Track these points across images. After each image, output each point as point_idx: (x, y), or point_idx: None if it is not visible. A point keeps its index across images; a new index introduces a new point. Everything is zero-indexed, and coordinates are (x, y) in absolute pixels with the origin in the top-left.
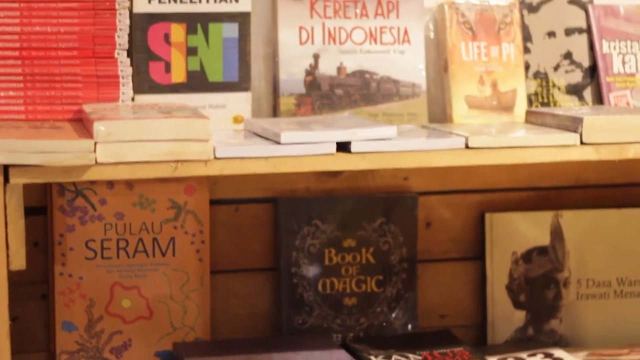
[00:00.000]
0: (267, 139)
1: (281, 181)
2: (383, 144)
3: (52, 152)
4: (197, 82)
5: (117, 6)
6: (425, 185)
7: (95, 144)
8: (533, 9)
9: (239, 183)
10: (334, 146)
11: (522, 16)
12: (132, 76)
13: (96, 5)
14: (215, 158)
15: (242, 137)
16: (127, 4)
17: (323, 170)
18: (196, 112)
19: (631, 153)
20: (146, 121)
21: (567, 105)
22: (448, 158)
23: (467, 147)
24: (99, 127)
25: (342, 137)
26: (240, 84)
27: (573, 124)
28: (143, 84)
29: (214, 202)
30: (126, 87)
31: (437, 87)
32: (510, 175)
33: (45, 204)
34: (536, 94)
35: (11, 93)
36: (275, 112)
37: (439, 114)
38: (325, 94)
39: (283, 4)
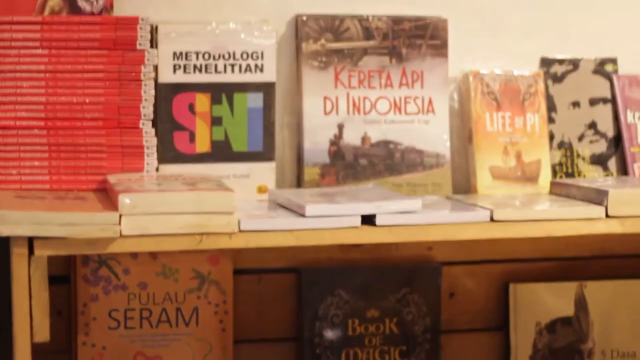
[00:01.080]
0: (291, 210)
1: (304, 251)
2: (408, 217)
3: (76, 224)
4: (221, 152)
5: (142, 77)
6: (449, 255)
7: (120, 216)
8: (557, 79)
9: (262, 252)
10: (359, 219)
11: (546, 86)
12: (157, 146)
13: (122, 76)
14: (240, 231)
15: (267, 208)
16: (153, 74)
17: (348, 243)
18: (221, 184)
19: None
20: (171, 194)
21: (592, 176)
22: (473, 231)
23: (492, 220)
24: (123, 200)
25: (367, 210)
26: (265, 153)
27: (598, 197)
28: (167, 154)
29: (237, 272)
30: (151, 157)
31: (462, 157)
32: (535, 246)
33: (69, 273)
34: (560, 164)
35: (36, 163)
36: (299, 181)
37: (463, 184)
38: (349, 164)
39: (308, 74)
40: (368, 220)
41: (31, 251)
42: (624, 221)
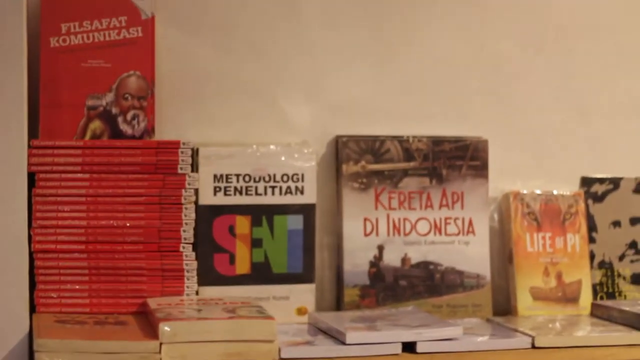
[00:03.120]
0: (331, 336)
1: None
2: (449, 344)
3: (117, 352)
4: (261, 274)
5: (183, 201)
6: None
7: (161, 344)
8: (598, 199)
9: None
10: (400, 347)
11: (587, 206)
12: (197, 268)
13: (162, 199)
14: (281, 359)
15: (306, 332)
16: (193, 198)
17: None
18: (261, 311)
19: None
20: (212, 322)
21: (633, 296)
22: (514, 358)
23: (533, 346)
24: (164, 328)
25: (408, 337)
26: (304, 275)
27: (639, 322)
28: (208, 275)
29: None
30: (191, 281)
31: (502, 277)
32: None
33: None
34: (601, 283)
35: (76, 286)
36: (339, 303)
37: (504, 305)
38: (389, 286)
39: (348, 195)
40: (409, 347)
41: None
42: None
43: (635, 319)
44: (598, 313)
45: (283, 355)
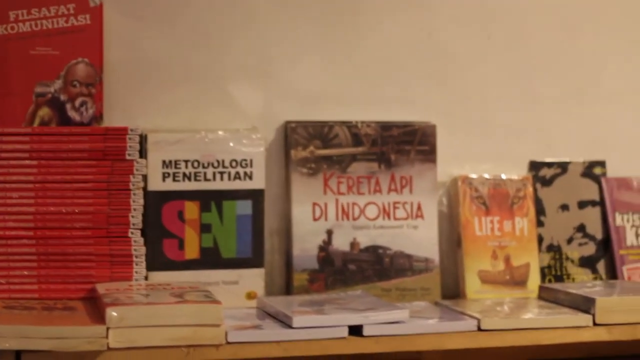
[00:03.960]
0: (279, 320)
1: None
2: (395, 327)
3: (64, 337)
4: (210, 259)
5: (131, 186)
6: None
7: (108, 329)
8: (546, 183)
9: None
10: (346, 330)
11: (535, 190)
12: (146, 253)
13: (111, 186)
14: (228, 342)
15: (255, 317)
16: (142, 184)
17: (335, 354)
18: (209, 295)
19: None
20: (158, 307)
21: (581, 280)
22: (461, 341)
23: (479, 329)
24: (111, 313)
25: (354, 320)
26: (254, 260)
27: (586, 304)
28: (156, 261)
29: None
30: (139, 266)
31: (451, 261)
32: (524, 350)
33: None
34: (549, 267)
35: (25, 272)
36: (288, 287)
37: (453, 288)
38: (338, 270)
39: (297, 180)
40: (356, 330)
41: None
42: (612, 329)
43: (582, 302)
44: (545, 296)
45: (230, 339)
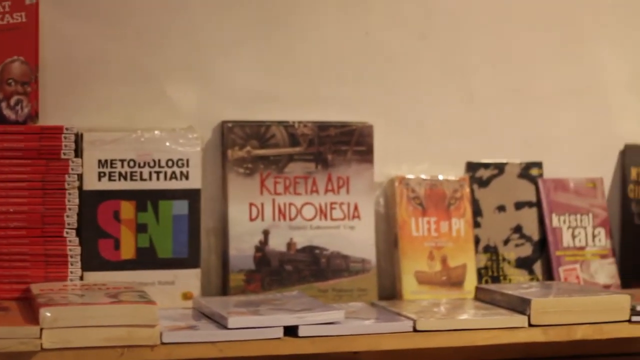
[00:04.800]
0: (214, 321)
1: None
2: (331, 327)
3: None
4: (146, 259)
5: (66, 186)
6: (375, 359)
7: (41, 330)
8: (483, 184)
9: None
10: (282, 331)
11: (472, 191)
12: (82, 253)
13: (46, 185)
14: (162, 343)
15: (191, 317)
16: (77, 183)
17: (271, 354)
18: (144, 295)
19: (579, 334)
20: (93, 307)
21: (517, 281)
22: (396, 341)
23: (415, 330)
24: (44, 314)
25: (290, 321)
26: (190, 260)
27: (521, 305)
28: (92, 261)
29: None
30: (75, 266)
31: (387, 262)
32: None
33: None
34: (486, 267)
35: None
36: (225, 287)
37: (389, 289)
38: (274, 270)
39: (233, 180)
40: (291, 331)
41: None
42: (547, 330)
43: (518, 303)
44: (482, 297)
45: (165, 340)
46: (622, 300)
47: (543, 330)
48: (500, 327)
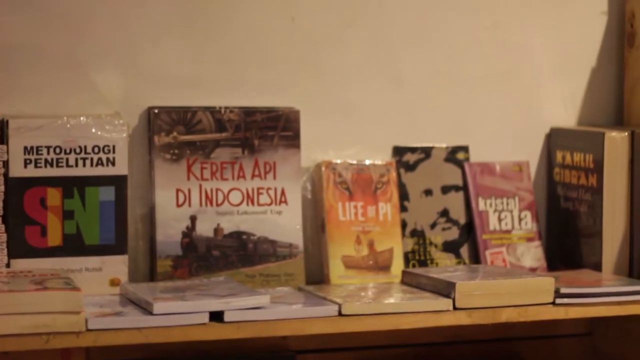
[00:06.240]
0: (140, 307)
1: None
2: (256, 312)
3: None
4: (73, 246)
5: None
6: (304, 344)
7: None
8: (410, 168)
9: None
10: (207, 316)
11: (398, 175)
12: (8, 240)
13: None
14: (88, 330)
15: (118, 303)
16: (2, 170)
17: (196, 340)
18: (69, 282)
19: (504, 317)
20: (18, 294)
21: (444, 264)
22: (322, 326)
23: (340, 314)
24: None
25: (215, 306)
26: (117, 246)
27: (446, 289)
28: (19, 248)
29: None
30: (1, 253)
31: (315, 246)
32: (388, 333)
33: None
34: (413, 251)
35: None
36: (152, 274)
37: (317, 273)
38: (202, 256)
39: (160, 166)
40: (217, 316)
41: None
42: (472, 313)
43: (443, 286)
44: (408, 281)
45: (90, 327)
46: (546, 283)
47: (468, 313)
48: (425, 310)
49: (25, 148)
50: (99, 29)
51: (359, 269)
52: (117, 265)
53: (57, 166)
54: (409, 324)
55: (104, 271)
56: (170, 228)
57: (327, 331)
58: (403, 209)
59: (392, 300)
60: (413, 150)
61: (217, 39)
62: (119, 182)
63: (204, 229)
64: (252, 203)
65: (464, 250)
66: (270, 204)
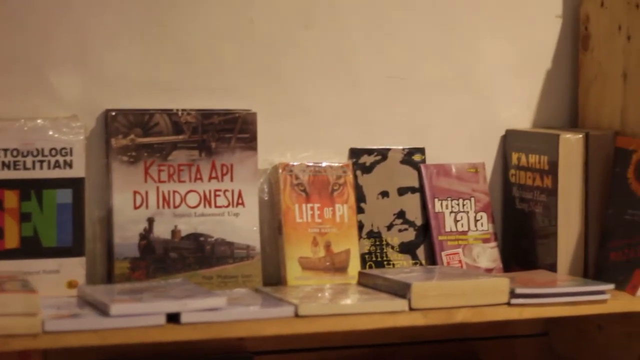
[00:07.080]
0: (97, 309)
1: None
2: (213, 314)
3: None
4: (30, 248)
5: None
6: (261, 345)
7: None
8: (366, 170)
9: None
10: (164, 318)
11: (355, 177)
12: None
13: None
14: (44, 332)
15: (75, 305)
16: None
17: (153, 341)
18: (26, 284)
19: (459, 317)
20: None
21: (400, 266)
22: (278, 327)
23: (296, 315)
24: None
25: (172, 308)
26: (74, 248)
27: (402, 290)
28: None
29: None
30: None
31: (272, 248)
32: (345, 333)
33: None
34: (370, 253)
35: None
36: (110, 276)
37: (275, 275)
38: (159, 258)
39: (118, 169)
40: (174, 317)
41: None
42: (427, 313)
43: (399, 287)
44: (365, 282)
45: (47, 329)
46: (501, 284)
47: (423, 313)
48: (382, 311)
49: None
50: (57, 31)
51: (315, 270)
52: (74, 268)
53: (14, 169)
54: (365, 324)
55: (62, 273)
56: (127, 230)
57: (284, 332)
58: (360, 210)
59: (348, 301)
60: (369, 152)
61: (174, 41)
62: (76, 185)
63: (161, 231)
64: (210, 205)
65: (421, 252)
66: (228, 206)
